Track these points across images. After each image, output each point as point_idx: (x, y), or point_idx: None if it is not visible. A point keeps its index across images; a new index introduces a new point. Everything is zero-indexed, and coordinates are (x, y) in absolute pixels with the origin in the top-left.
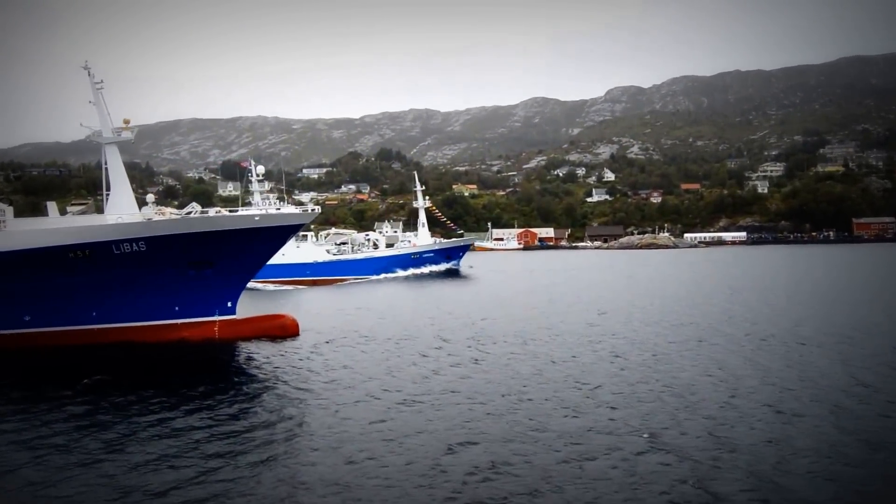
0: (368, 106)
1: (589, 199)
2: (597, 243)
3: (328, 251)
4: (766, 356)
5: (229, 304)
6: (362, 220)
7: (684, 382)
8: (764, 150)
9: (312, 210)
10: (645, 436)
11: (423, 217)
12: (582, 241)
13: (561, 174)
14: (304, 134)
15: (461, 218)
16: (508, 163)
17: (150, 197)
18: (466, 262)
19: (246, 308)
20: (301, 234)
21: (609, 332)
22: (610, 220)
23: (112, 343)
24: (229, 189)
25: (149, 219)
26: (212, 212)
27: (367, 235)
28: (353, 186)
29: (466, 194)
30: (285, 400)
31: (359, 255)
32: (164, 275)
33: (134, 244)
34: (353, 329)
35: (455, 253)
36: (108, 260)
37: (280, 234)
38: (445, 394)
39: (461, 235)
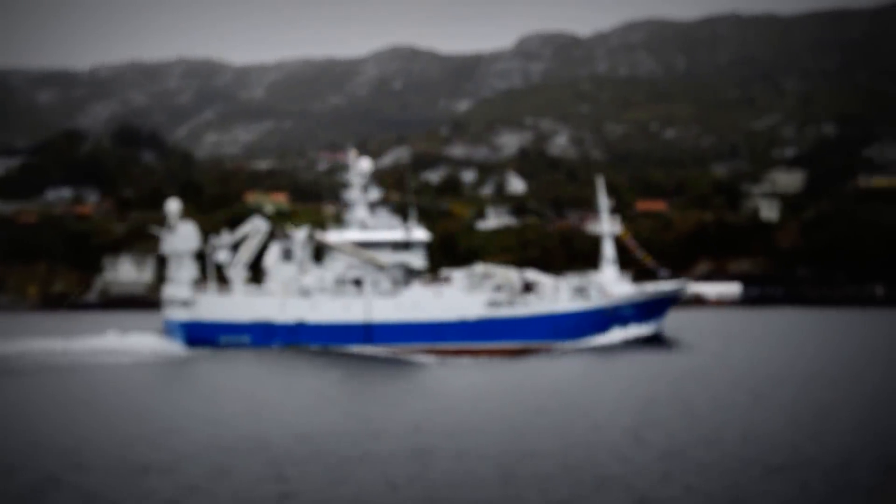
0: (103, 50)
1: (482, 225)
2: None
3: (488, 301)
4: None
5: None
6: (82, 251)
7: None
8: (774, 146)
9: None
10: None
11: (609, 250)
12: None
13: (435, 180)
14: None
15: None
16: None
17: None
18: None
19: None
20: (440, 272)
21: None
22: (516, 259)
23: None
24: None
25: None
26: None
27: (523, 274)
28: (67, 191)
29: (270, 209)
30: None
31: (525, 310)
32: None
33: None
34: None
35: (658, 308)
36: None
37: None
38: None
39: (666, 276)
